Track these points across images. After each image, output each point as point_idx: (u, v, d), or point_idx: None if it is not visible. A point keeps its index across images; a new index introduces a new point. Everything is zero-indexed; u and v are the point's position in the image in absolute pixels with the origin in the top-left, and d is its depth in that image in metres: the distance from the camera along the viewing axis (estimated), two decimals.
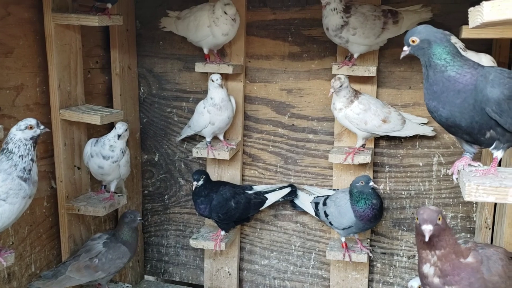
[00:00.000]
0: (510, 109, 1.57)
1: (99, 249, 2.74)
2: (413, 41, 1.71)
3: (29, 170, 2.06)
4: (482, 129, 1.62)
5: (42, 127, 2.13)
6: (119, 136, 2.66)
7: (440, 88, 1.63)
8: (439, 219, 1.71)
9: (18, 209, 2.04)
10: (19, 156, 2.04)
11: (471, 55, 2.24)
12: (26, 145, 2.07)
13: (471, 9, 1.48)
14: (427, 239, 1.71)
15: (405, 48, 1.75)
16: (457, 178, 1.67)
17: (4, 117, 2.48)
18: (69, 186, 2.75)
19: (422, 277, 1.78)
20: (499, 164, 1.73)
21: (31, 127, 2.09)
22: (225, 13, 2.72)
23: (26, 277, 2.64)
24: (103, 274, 2.73)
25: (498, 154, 1.65)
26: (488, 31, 2.07)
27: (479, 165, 1.70)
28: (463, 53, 2.08)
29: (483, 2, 1.36)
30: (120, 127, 2.66)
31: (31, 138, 2.09)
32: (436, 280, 1.73)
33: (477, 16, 1.42)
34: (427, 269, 1.76)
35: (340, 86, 2.61)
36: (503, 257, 1.73)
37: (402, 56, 1.78)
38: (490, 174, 1.60)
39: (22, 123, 2.08)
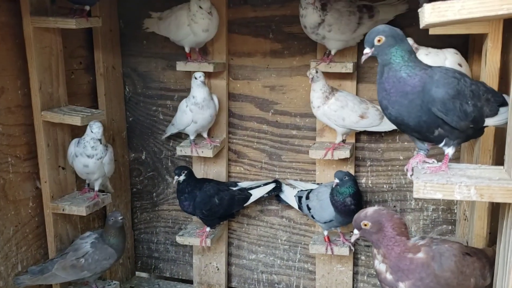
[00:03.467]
0: (455, 108, 1.59)
1: (86, 250, 2.76)
2: (379, 40, 1.69)
3: None
4: (430, 128, 1.64)
5: None
6: (99, 140, 2.67)
7: (391, 87, 1.66)
8: (365, 225, 1.81)
9: None
10: None
11: (434, 53, 2.24)
12: None
13: (419, 10, 1.50)
14: (352, 241, 1.89)
15: (367, 50, 1.72)
16: (411, 175, 1.70)
17: None
18: (53, 186, 2.79)
19: (377, 273, 1.82)
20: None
21: None
22: (200, 7, 2.73)
23: (12, 276, 2.68)
24: (89, 273, 2.76)
25: (449, 150, 1.68)
26: (453, 28, 2.09)
27: (433, 161, 1.72)
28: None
29: (425, 4, 1.38)
30: (97, 132, 2.65)
31: None
32: (389, 277, 1.77)
33: (422, 18, 1.44)
34: (378, 265, 1.80)
35: (312, 78, 2.67)
36: (456, 253, 1.75)
37: (363, 59, 1.78)
38: (441, 171, 1.62)
39: None
